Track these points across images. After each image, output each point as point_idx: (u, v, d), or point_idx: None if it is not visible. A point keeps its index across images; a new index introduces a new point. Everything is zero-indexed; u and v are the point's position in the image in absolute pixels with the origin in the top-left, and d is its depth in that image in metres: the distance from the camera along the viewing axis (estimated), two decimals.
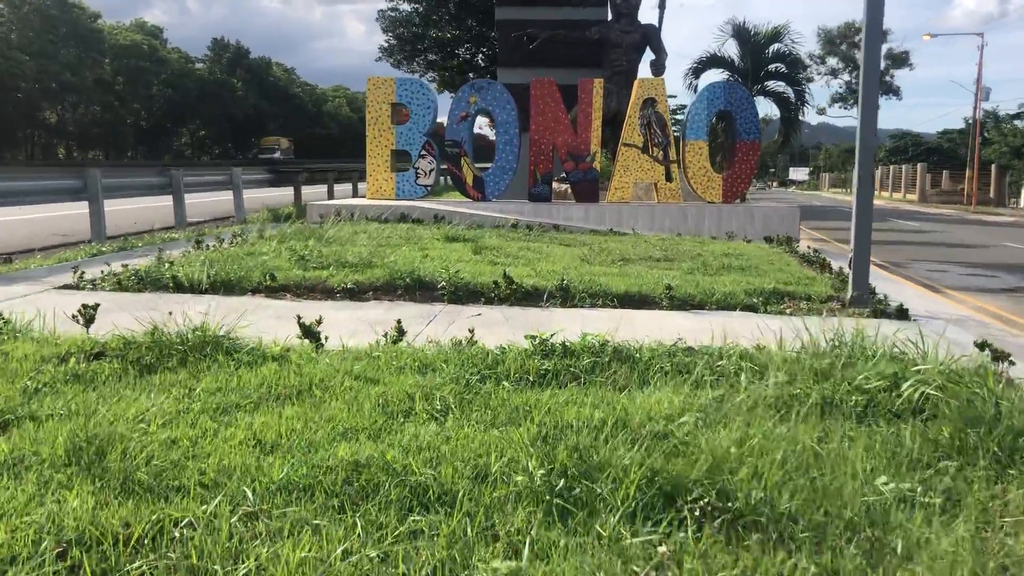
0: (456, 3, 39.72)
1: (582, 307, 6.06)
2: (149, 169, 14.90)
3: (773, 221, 13.63)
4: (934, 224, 26.83)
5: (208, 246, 8.44)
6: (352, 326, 5.16)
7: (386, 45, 44.73)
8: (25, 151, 69.02)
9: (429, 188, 14.28)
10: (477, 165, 14.38)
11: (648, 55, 17.34)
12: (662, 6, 18.39)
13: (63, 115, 71.71)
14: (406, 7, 43.09)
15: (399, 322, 4.40)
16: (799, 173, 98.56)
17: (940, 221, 29.05)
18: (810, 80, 31.51)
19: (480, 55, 42.68)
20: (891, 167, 63.39)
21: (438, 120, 14.98)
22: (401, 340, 4.33)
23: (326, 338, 4.31)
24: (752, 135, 14.33)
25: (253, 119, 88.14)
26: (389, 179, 14.15)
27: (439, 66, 44.64)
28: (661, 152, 14.07)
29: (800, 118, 29.77)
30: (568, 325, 5.36)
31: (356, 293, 6.27)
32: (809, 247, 11.09)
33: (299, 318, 4.29)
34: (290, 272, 6.68)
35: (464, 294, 6.28)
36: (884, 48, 67.91)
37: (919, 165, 57.00)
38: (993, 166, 47.83)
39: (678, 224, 13.34)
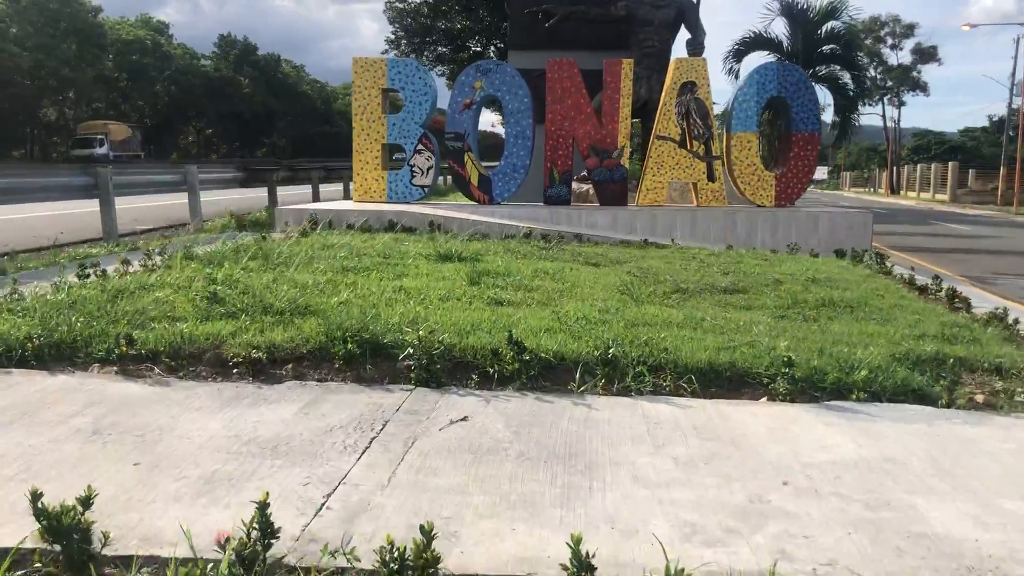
0: None
1: (641, 396, 3.58)
2: (66, 168, 12.50)
3: (841, 230, 11.22)
4: (983, 228, 24.37)
5: (103, 271, 6.03)
6: (216, 463, 2.69)
7: (393, 37, 42.83)
8: (25, 149, 67.19)
9: (427, 189, 11.89)
10: (484, 164, 11.99)
11: (683, 35, 14.88)
12: None
13: (64, 112, 69.74)
14: None
15: (264, 509, 1.93)
16: (818, 172, 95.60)
17: (986, 224, 26.59)
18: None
19: (492, 47, 40.62)
20: (918, 166, 61.16)
21: (438, 109, 12.58)
22: (270, 547, 1.90)
23: (102, 539, 1.89)
24: (812, 126, 11.89)
25: (261, 117, 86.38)
26: (380, 178, 11.79)
27: (448, 59, 42.85)
28: (702, 146, 11.58)
29: (859, 106, 26.47)
30: (624, 450, 2.92)
31: (265, 367, 3.79)
32: (913, 267, 8.54)
33: (36, 499, 1.86)
34: (173, 328, 4.20)
35: (443, 367, 3.81)
36: (911, 42, 65.47)
37: (951, 164, 54.51)
38: None
39: (726, 233, 10.92)
